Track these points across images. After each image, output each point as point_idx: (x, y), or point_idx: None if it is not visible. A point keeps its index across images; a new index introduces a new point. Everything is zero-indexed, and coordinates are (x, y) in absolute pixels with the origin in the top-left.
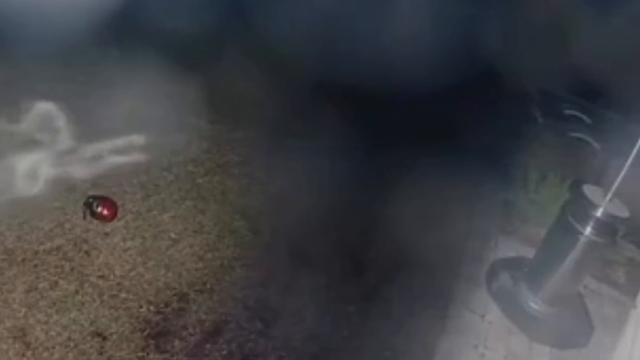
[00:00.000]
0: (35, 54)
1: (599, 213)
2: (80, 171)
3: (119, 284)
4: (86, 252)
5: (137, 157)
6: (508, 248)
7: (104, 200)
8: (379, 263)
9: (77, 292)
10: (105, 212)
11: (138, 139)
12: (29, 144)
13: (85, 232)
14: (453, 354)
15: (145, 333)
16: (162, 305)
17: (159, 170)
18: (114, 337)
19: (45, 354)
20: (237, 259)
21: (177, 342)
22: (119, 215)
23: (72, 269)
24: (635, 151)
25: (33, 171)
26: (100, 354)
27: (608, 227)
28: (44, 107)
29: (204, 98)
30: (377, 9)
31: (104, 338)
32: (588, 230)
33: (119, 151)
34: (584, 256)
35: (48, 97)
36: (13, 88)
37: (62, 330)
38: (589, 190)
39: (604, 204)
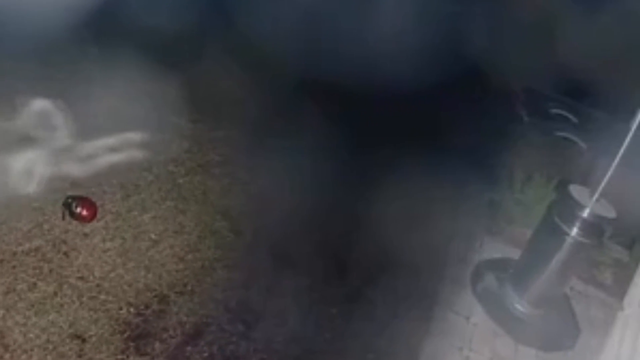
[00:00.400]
0: (13, 52)
1: (585, 213)
2: (62, 171)
3: (98, 285)
4: (65, 253)
5: (116, 157)
6: (493, 249)
7: (83, 201)
8: (363, 264)
9: (55, 293)
10: (84, 212)
11: (117, 138)
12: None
13: (65, 233)
14: (437, 356)
15: (125, 335)
16: (142, 307)
17: (139, 170)
18: (94, 339)
19: (24, 357)
20: (218, 260)
21: (157, 345)
22: (98, 215)
23: (50, 270)
24: (622, 151)
25: (8, 170)
26: (80, 356)
27: (595, 228)
28: (24, 104)
29: (185, 97)
30: (361, 6)
31: (83, 340)
32: (574, 231)
33: (98, 151)
34: (571, 257)
35: (26, 95)
36: None
37: (41, 332)
38: (575, 190)
39: (590, 204)
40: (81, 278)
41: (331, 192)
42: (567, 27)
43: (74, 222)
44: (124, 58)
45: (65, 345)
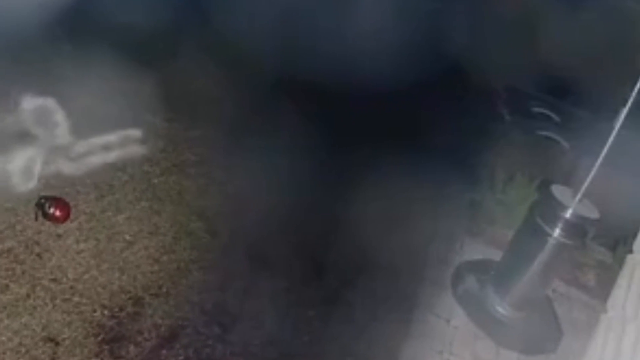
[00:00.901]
0: None
1: (568, 214)
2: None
3: (72, 287)
4: (38, 255)
5: (90, 156)
6: (474, 250)
7: (57, 201)
8: (341, 266)
9: (28, 295)
10: (57, 213)
11: (90, 137)
12: None
13: (37, 234)
14: (417, 359)
15: (99, 338)
16: (116, 310)
17: (113, 170)
18: (67, 342)
19: None
20: (194, 262)
21: (132, 348)
22: (71, 216)
23: (23, 272)
24: (605, 150)
25: None
26: (53, 359)
27: (577, 229)
28: None
29: (160, 95)
30: (339, 3)
31: (57, 343)
32: (557, 231)
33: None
34: (553, 259)
35: None
36: None
37: (13, 335)
38: (557, 190)
39: (573, 204)
40: (54, 280)
41: (309, 193)
42: (550, 24)
43: (47, 223)
44: (98, 56)
45: (38, 348)
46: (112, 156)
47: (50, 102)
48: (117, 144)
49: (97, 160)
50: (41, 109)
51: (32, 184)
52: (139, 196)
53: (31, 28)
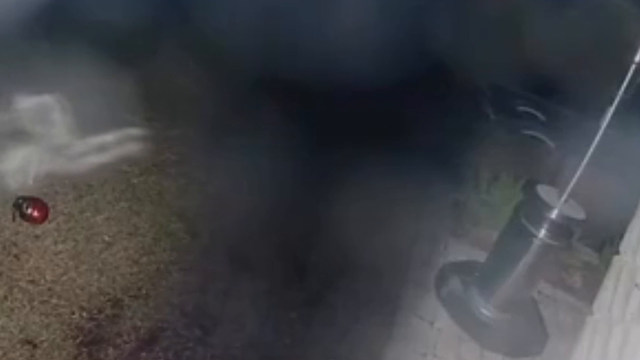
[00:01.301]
0: None
1: (553, 215)
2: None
3: (50, 289)
4: (15, 256)
5: (68, 156)
6: (458, 251)
7: (34, 202)
8: (323, 267)
9: (5, 297)
10: (35, 213)
11: (69, 136)
12: None
13: (15, 235)
14: None
15: (78, 341)
16: (95, 312)
17: (92, 170)
18: (45, 345)
19: None
20: (174, 263)
21: (110, 350)
22: (50, 217)
23: (0, 274)
24: (591, 150)
25: None
26: None
27: (563, 230)
28: None
29: (140, 94)
30: (321, 0)
31: (34, 346)
32: (542, 232)
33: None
34: (538, 260)
35: None
36: None
37: None
38: (543, 190)
39: (559, 205)
40: (32, 281)
41: (291, 193)
42: (535, 21)
43: (25, 224)
44: (77, 54)
45: (16, 351)
46: (91, 156)
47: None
48: (96, 144)
49: (76, 160)
50: (27, 109)
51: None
52: (118, 196)
53: (8, 25)
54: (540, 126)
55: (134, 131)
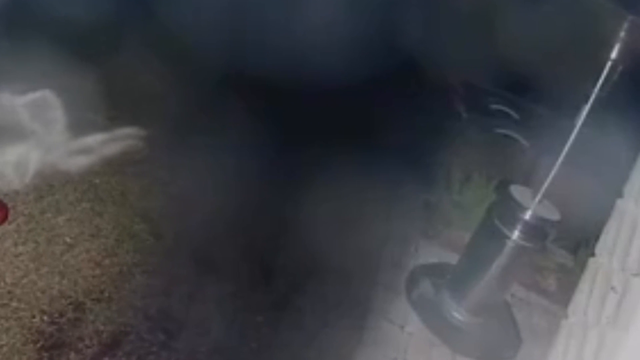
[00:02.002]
0: None
1: (527, 216)
2: None
3: (9, 292)
4: None
5: (28, 156)
6: (429, 253)
7: None
8: (290, 270)
9: None
10: None
11: (28, 136)
12: None
13: None
14: None
15: (39, 345)
16: (56, 315)
17: (53, 170)
18: (4, 349)
19: None
20: (137, 265)
21: (72, 355)
22: (9, 218)
23: None
24: (566, 149)
25: None
26: None
27: (537, 231)
28: None
29: (102, 92)
30: None
31: None
32: (516, 234)
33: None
34: (512, 262)
35: None
36: None
37: None
38: (516, 191)
39: (532, 206)
40: None
41: (257, 193)
42: (509, 17)
43: None
44: (36, 50)
45: None
46: (53, 156)
47: None
48: (57, 143)
49: (36, 160)
50: None
51: None
52: (80, 197)
53: None
54: (513, 125)
55: (97, 130)
